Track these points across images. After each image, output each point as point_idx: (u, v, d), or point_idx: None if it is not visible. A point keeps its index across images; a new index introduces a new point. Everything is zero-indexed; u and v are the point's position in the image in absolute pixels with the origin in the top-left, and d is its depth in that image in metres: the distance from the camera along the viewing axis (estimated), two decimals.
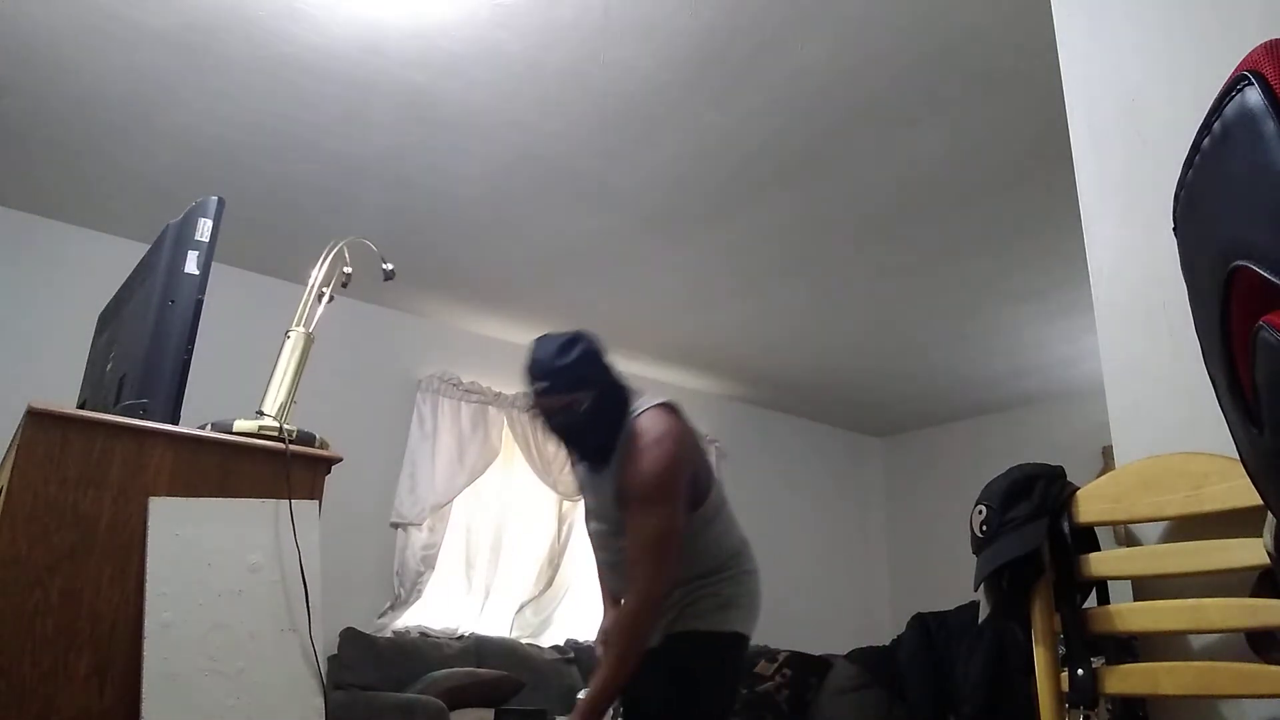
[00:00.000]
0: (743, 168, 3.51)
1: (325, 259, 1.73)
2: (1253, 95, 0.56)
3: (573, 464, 2.12)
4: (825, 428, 6.82)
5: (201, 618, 1.30)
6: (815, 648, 5.21)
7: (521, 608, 4.99)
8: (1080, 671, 1.42)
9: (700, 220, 3.94)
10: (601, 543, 2.07)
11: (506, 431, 5.17)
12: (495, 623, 4.84)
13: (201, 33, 2.87)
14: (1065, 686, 1.44)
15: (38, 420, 1.29)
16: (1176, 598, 1.36)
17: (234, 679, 1.29)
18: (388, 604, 4.56)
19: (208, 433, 1.43)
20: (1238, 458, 0.67)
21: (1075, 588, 1.48)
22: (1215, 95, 0.60)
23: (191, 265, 1.44)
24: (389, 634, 4.41)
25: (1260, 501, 0.68)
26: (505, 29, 2.80)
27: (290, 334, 1.62)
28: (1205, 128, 0.61)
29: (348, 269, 1.78)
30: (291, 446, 1.45)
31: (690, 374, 5.91)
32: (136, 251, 1.82)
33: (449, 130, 3.35)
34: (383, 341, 4.98)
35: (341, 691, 3.71)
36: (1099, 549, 1.51)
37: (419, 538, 4.68)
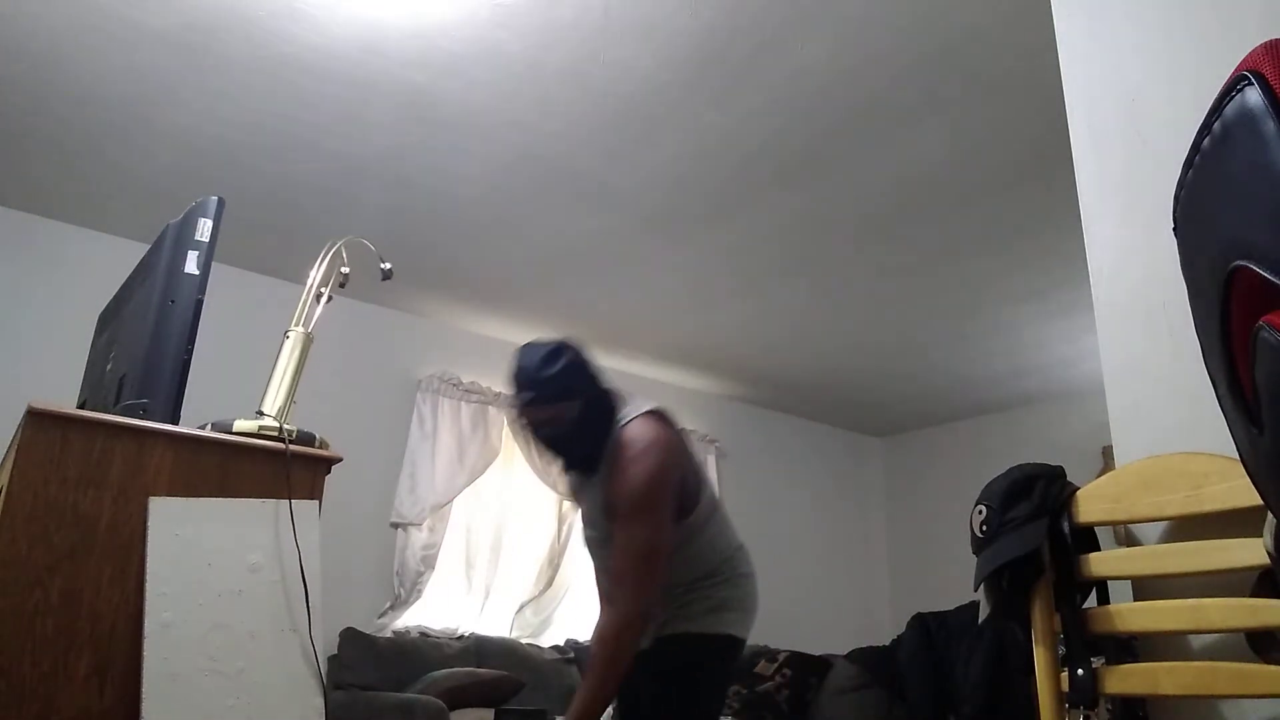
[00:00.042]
0: (743, 168, 3.51)
1: (323, 259, 1.73)
2: (1253, 95, 0.56)
3: (564, 471, 2.11)
4: (825, 428, 6.82)
5: (201, 618, 1.30)
6: (815, 648, 5.21)
7: (521, 608, 4.99)
8: (1080, 671, 1.42)
9: (700, 220, 3.94)
10: (595, 549, 2.07)
11: (506, 431, 5.17)
12: (495, 623, 4.84)
13: (201, 33, 2.87)
14: (1065, 686, 1.44)
15: (38, 420, 1.29)
16: (1176, 598, 1.36)
17: (234, 679, 1.29)
18: (388, 604, 4.56)
19: (208, 433, 1.43)
20: (1238, 458, 0.67)
21: (1075, 588, 1.48)
22: (1215, 95, 0.60)
23: (191, 265, 1.45)
24: (389, 634, 4.41)
25: (1260, 501, 0.68)
26: (505, 29, 2.80)
27: (290, 334, 1.62)
28: (1205, 128, 0.61)
29: (345, 269, 1.78)
30: (291, 446, 1.45)
31: (690, 374, 5.91)
32: (136, 251, 1.82)
33: (449, 130, 3.35)
34: (382, 341, 4.98)
35: (341, 691, 3.70)
36: (1099, 549, 1.51)
37: (419, 538, 4.68)
